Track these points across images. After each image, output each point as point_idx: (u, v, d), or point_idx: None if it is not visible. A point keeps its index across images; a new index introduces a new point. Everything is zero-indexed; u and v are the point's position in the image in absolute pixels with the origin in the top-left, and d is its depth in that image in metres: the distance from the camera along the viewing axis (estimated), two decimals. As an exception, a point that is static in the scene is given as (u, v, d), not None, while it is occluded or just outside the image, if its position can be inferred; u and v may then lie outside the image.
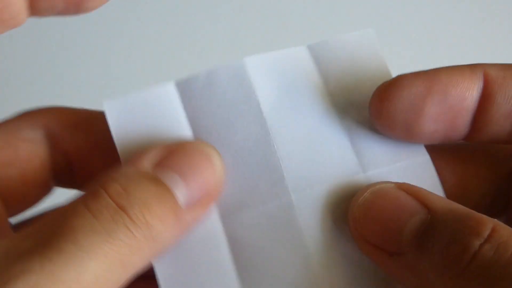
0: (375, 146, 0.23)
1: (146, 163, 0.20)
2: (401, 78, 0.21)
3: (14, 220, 0.23)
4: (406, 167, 0.23)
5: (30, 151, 0.22)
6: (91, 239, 0.18)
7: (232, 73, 0.23)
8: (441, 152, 0.23)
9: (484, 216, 0.19)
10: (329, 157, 0.23)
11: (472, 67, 0.21)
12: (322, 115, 0.23)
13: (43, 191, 0.23)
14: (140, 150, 0.21)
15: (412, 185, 0.21)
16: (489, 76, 0.21)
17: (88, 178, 0.22)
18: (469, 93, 0.21)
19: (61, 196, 0.23)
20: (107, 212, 0.19)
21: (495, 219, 0.19)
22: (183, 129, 0.23)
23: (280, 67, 0.23)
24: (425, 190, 0.21)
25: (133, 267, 0.19)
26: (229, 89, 0.23)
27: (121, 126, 0.22)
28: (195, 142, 0.22)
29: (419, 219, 0.20)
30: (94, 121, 0.22)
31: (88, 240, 0.18)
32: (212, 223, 0.22)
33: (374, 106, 0.22)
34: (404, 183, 0.21)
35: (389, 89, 0.21)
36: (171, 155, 0.21)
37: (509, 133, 0.21)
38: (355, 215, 0.21)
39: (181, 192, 0.20)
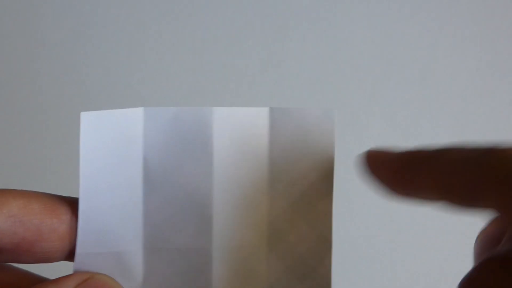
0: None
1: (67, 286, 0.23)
2: None
3: None
4: None
5: None
6: None
7: (199, 118, 0.24)
8: None
9: None
10: (249, 228, 0.24)
11: None
12: (256, 182, 0.24)
13: None
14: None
15: None
16: None
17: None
18: None
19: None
20: None
21: None
22: (137, 158, 0.24)
23: (241, 124, 0.24)
24: None
25: None
26: (190, 131, 0.24)
27: (89, 140, 0.23)
28: (107, 278, 0.24)
29: None
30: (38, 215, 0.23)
31: None
32: (134, 251, 0.24)
33: None
34: None
35: None
36: (85, 283, 0.23)
37: None
38: None
39: None
